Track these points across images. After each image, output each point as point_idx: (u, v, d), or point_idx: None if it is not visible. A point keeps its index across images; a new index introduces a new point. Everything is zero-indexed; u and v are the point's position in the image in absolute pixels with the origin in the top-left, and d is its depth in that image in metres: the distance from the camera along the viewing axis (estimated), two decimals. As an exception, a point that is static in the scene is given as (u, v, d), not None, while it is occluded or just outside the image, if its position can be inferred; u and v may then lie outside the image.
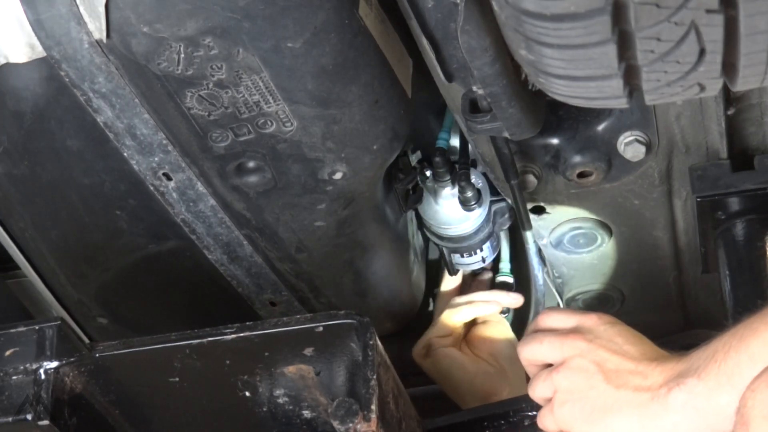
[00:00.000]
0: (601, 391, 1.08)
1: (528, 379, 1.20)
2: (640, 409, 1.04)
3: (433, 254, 1.68)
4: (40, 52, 1.12)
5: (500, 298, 1.56)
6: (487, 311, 1.54)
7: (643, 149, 1.31)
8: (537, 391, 1.14)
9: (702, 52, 0.82)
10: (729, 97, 1.31)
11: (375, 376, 1.04)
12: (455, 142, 1.47)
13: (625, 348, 1.10)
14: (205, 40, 1.07)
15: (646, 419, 1.04)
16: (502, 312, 1.59)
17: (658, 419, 1.03)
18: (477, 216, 1.49)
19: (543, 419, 1.14)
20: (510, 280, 1.64)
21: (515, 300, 1.56)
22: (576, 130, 1.32)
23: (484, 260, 1.57)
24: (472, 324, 1.56)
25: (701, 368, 1.00)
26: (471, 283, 1.65)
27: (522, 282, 1.66)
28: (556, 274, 1.62)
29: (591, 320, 1.14)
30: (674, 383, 1.02)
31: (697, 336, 1.63)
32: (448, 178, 1.45)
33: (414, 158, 1.45)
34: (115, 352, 1.10)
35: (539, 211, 1.47)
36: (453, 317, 1.53)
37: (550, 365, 1.14)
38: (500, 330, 1.54)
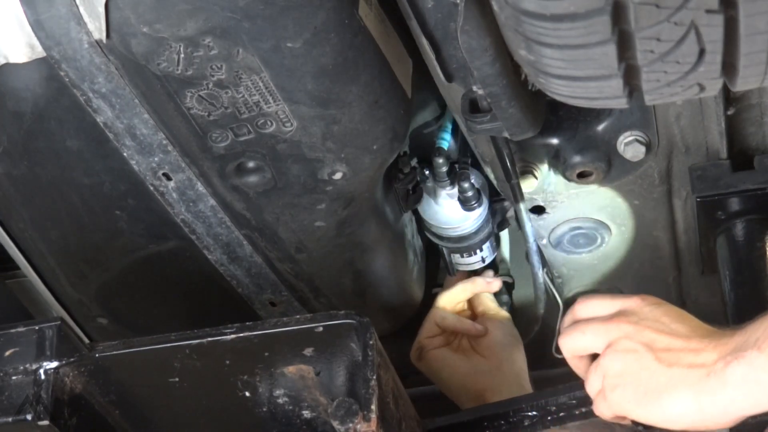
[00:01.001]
0: (653, 371, 1.04)
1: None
2: (696, 387, 1.01)
3: (433, 254, 1.68)
4: (39, 52, 1.12)
5: (479, 285, 1.56)
6: (471, 329, 1.52)
7: (643, 149, 1.31)
8: (591, 385, 1.11)
9: (702, 53, 0.82)
10: (729, 98, 1.31)
11: (375, 376, 1.04)
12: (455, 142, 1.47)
13: (673, 327, 1.06)
14: (205, 41, 1.07)
15: (703, 396, 1.00)
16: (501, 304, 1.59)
17: (716, 395, 0.99)
18: (477, 216, 1.49)
19: (598, 407, 1.11)
20: (510, 280, 1.64)
21: (492, 285, 1.56)
22: (576, 130, 1.32)
23: (484, 260, 1.57)
24: (473, 316, 1.56)
25: (761, 340, 0.96)
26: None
27: (522, 282, 1.66)
28: (556, 274, 1.62)
29: (634, 302, 1.11)
30: (732, 357, 0.99)
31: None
32: (448, 178, 1.45)
33: (413, 161, 1.45)
34: (115, 352, 1.10)
35: (539, 211, 1.47)
36: (439, 320, 1.52)
37: (595, 356, 1.11)
38: (500, 323, 1.54)
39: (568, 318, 1.17)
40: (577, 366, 1.15)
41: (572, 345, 1.13)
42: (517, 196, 1.37)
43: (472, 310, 1.58)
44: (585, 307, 1.14)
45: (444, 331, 1.53)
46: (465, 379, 1.47)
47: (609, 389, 1.08)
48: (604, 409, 1.10)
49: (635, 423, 1.10)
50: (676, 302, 1.65)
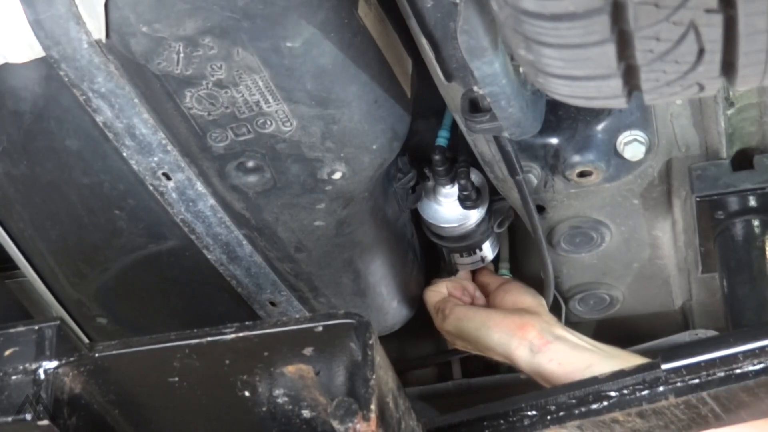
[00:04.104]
0: None
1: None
2: None
3: (434, 254, 1.68)
4: (39, 52, 1.12)
5: (452, 288, 1.58)
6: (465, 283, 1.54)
7: (642, 149, 1.31)
8: None
9: (701, 52, 0.82)
10: (728, 97, 1.31)
11: (374, 376, 1.03)
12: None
13: None
14: (205, 40, 1.07)
15: None
16: None
17: None
18: (476, 215, 1.49)
19: None
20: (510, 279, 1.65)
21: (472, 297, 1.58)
22: (575, 129, 1.32)
23: (483, 260, 1.57)
24: (490, 293, 1.57)
25: None
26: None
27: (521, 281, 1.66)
28: (556, 274, 1.62)
29: None
30: None
31: (696, 336, 1.64)
32: (448, 177, 1.44)
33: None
34: (115, 352, 1.10)
35: (539, 210, 1.47)
36: (439, 283, 1.55)
37: None
38: (516, 286, 1.54)
39: None
40: None
41: None
42: (524, 191, 1.36)
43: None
44: None
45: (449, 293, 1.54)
46: (503, 319, 1.45)
47: None
48: None
49: None
50: (676, 302, 1.67)
